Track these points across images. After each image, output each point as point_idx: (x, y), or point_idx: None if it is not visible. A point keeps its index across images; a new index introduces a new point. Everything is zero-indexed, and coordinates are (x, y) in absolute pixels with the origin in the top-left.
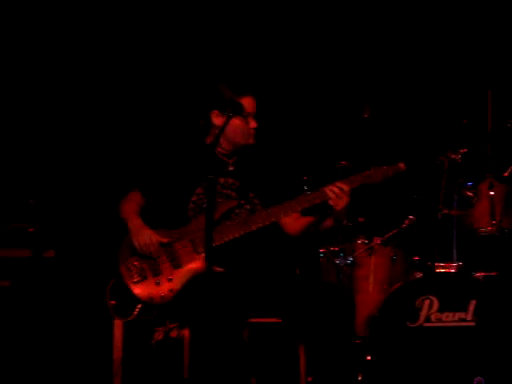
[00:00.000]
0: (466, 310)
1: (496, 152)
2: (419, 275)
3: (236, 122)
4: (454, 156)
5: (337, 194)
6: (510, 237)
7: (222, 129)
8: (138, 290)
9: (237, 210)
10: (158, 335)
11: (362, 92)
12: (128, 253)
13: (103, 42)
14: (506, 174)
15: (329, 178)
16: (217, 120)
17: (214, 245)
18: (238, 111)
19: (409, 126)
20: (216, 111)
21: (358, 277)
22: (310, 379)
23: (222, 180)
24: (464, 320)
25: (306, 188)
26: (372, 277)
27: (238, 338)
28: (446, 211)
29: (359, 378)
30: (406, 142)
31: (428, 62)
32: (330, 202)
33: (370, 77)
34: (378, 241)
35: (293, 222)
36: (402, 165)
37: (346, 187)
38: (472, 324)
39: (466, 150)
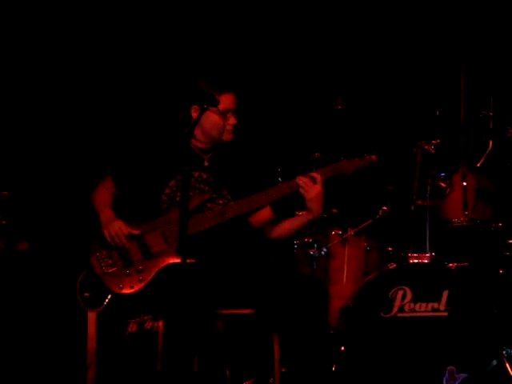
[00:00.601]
0: (439, 300)
1: (469, 143)
2: (393, 266)
3: (213, 116)
4: (426, 147)
5: (307, 182)
6: (482, 227)
7: (197, 121)
8: (107, 280)
9: (209, 205)
10: (132, 327)
11: (334, 83)
12: (99, 244)
13: (83, 31)
14: (478, 165)
15: (303, 170)
16: (196, 115)
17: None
18: (212, 103)
19: (382, 117)
20: (195, 106)
21: (332, 268)
22: (284, 370)
23: (196, 174)
24: (437, 310)
25: (280, 180)
26: (346, 268)
27: (211, 329)
28: (419, 202)
29: (333, 369)
30: (378, 132)
31: (401, 52)
32: (301, 190)
33: (342, 68)
34: (351, 232)
35: (277, 227)
36: (374, 157)
37: (317, 176)
38: (445, 314)
39: (438, 141)
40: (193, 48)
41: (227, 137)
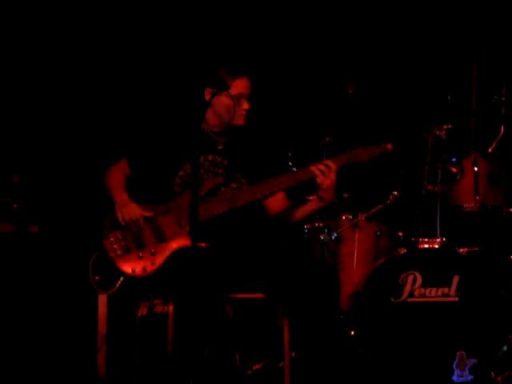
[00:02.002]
0: (449, 285)
1: (480, 128)
2: (403, 251)
3: (225, 100)
4: (438, 132)
5: (323, 171)
6: (493, 213)
7: (208, 104)
8: (120, 263)
9: (223, 188)
10: (143, 310)
11: (346, 68)
12: (112, 226)
13: (91, 17)
14: (490, 150)
15: (314, 155)
16: (211, 99)
17: (198, 220)
18: (223, 87)
19: (393, 102)
20: (210, 89)
21: (342, 253)
22: (293, 354)
23: (210, 157)
24: (447, 295)
25: (290, 164)
26: (356, 252)
27: (221, 314)
28: (430, 187)
29: (343, 352)
30: (390, 118)
31: (412, 38)
32: (317, 180)
33: (354, 53)
34: (362, 217)
35: (294, 211)
36: (389, 145)
37: (333, 165)
38: (455, 299)
39: (450, 126)
40: (209, 31)
41: (240, 121)
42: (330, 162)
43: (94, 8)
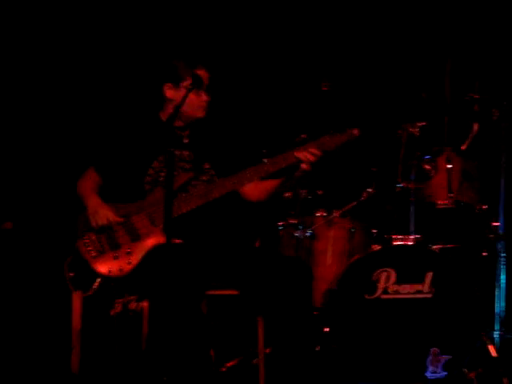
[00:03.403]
0: (422, 282)
1: (454, 125)
2: (377, 248)
3: (191, 95)
4: (412, 129)
5: (307, 156)
6: (467, 210)
7: (182, 101)
8: (96, 264)
9: (193, 182)
10: (117, 307)
11: (321, 65)
12: (85, 227)
13: (54, 14)
14: (463, 148)
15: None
16: (169, 93)
17: (172, 217)
18: (198, 84)
19: (367, 99)
20: (169, 84)
21: (316, 249)
22: (268, 350)
23: (177, 153)
24: (420, 292)
25: (265, 161)
26: (331, 249)
27: (196, 310)
28: (403, 184)
29: (317, 349)
30: (364, 114)
31: (387, 35)
32: (303, 166)
33: (328, 48)
34: (336, 213)
35: (254, 188)
36: (355, 130)
37: (317, 152)
38: (428, 296)
39: (424, 124)
40: (166, 25)
41: (200, 113)
42: (314, 149)
43: (48, 10)
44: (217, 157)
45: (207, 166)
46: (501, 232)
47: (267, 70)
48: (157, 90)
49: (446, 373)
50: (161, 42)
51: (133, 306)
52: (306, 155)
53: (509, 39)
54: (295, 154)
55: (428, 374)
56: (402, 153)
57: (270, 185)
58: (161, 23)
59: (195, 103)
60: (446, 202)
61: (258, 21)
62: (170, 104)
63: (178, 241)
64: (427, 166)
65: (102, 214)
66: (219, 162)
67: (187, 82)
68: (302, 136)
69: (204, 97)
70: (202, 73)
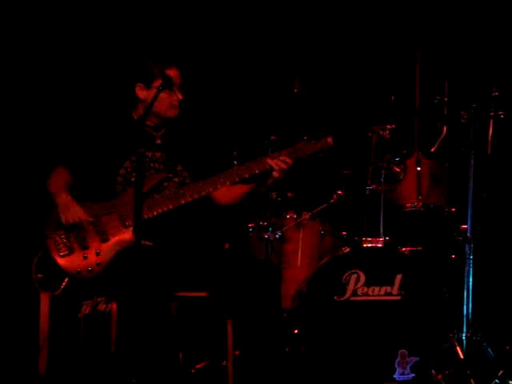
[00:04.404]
0: (391, 284)
1: (423, 128)
2: (347, 250)
3: (162, 95)
4: (381, 132)
5: (280, 165)
6: (435, 212)
7: (152, 102)
8: (65, 264)
9: (165, 184)
10: (86, 309)
11: (292, 67)
12: (55, 226)
13: (28, 12)
14: (432, 150)
15: (258, 153)
16: (141, 93)
17: (142, 218)
18: (168, 85)
19: (338, 102)
20: (141, 84)
21: (286, 251)
22: (237, 352)
23: (149, 154)
24: (390, 294)
25: (235, 163)
26: (300, 251)
27: (165, 312)
28: (373, 187)
29: (286, 351)
30: (335, 117)
31: (357, 38)
32: (274, 174)
33: (299, 52)
34: (306, 215)
35: (226, 192)
36: (329, 139)
37: (288, 161)
38: (398, 298)
39: (393, 126)
40: (137, 24)
41: (173, 112)
42: (286, 158)
43: (20, 8)
44: (190, 159)
45: (180, 168)
46: (469, 235)
47: (240, 71)
48: (129, 89)
49: (413, 374)
50: (134, 41)
51: (102, 307)
52: (278, 163)
53: (477, 42)
54: (267, 161)
55: (396, 376)
56: (372, 155)
57: (242, 190)
58: (135, 23)
59: (167, 103)
60: (415, 204)
61: (232, 21)
62: (142, 104)
63: (147, 243)
64: (397, 169)
65: (73, 212)
66: (192, 164)
67: (158, 82)
68: (272, 138)
69: (178, 96)
70: (173, 72)
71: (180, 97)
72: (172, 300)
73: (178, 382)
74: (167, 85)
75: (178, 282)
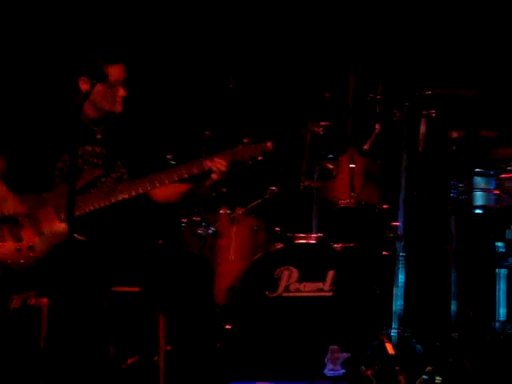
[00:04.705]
0: (324, 280)
1: (357, 125)
2: (279, 246)
3: (101, 88)
4: (316, 129)
5: (218, 167)
6: (368, 209)
7: (87, 95)
8: None
9: (103, 179)
10: (16, 302)
11: (227, 63)
12: None
13: None
14: (365, 148)
15: (193, 148)
16: (84, 87)
17: (77, 214)
18: (101, 78)
19: (272, 98)
20: (84, 78)
21: (219, 246)
22: (169, 348)
23: (89, 148)
24: (322, 290)
25: (170, 157)
26: (234, 247)
27: (97, 307)
28: (307, 183)
29: (218, 347)
30: (269, 113)
31: (291, 35)
32: (213, 176)
33: (234, 49)
34: (240, 211)
35: (164, 191)
36: (269, 144)
37: (225, 163)
38: (329, 294)
39: (328, 123)
40: (82, 19)
41: (116, 108)
42: (222, 161)
43: None
44: (129, 155)
45: (119, 164)
46: (400, 232)
47: (175, 67)
48: (72, 83)
49: (344, 370)
50: (79, 35)
51: (32, 301)
52: (217, 165)
53: (410, 42)
54: (207, 163)
55: (326, 372)
56: (306, 152)
57: (181, 189)
58: (81, 17)
59: (110, 98)
60: (348, 201)
61: (170, 18)
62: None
63: (80, 237)
64: (330, 166)
65: (9, 203)
66: (131, 161)
67: (102, 77)
68: (207, 133)
69: (121, 92)
70: (118, 68)
71: (123, 93)
72: (104, 295)
73: (109, 377)
74: (99, 78)
75: (111, 277)
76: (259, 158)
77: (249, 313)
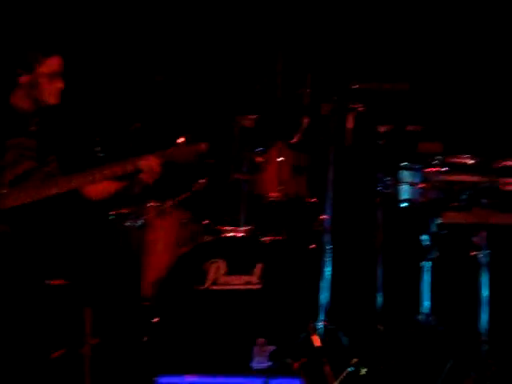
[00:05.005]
0: (252, 273)
1: (285, 119)
2: (208, 239)
3: (37, 79)
4: (245, 122)
5: (150, 167)
6: (295, 202)
7: (20, 87)
8: None
9: (35, 172)
10: None
11: (156, 56)
12: None
13: None
14: (294, 141)
15: (122, 141)
16: (22, 79)
17: (5, 207)
18: (28, 68)
19: (202, 90)
20: (21, 70)
21: (148, 239)
22: (95, 341)
23: (22, 140)
24: (250, 283)
25: (99, 149)
26: (162, 239)
27: (23, 299)
28: (236, 176)
29: (145, 340)
30: (200, 106)
31: (221, 28)
32: (143, 176)
33: (163, 41)
34: (168, 204)
35: (96, 188)
36: (203, 145)
37: (158, 162)
38: (257, 287)
39: (257, 116)
40: (18, 11)
41: (52, 99)
42: (158, 161)
43: None
44: (63, 150)
45: (52, 158)
46: (327, 225)
47: (105, 59)
48: (9, 74)
49: (270, 363)
50: (15, 27)
51: None
52: (149, 165)
53: (339, 34)
54: (139, 162)
55: (253, 364)
56: (234, 145)
57: (113, 186)
58: (16, 9)
59: (47, 89)
60: (276, 194)
61: (104, 15)
62: (20, 89)
63: (4, 228)
64: (259, 159)
65: None
66: (64, 155)
67: (39, 69)
68: (137, 125)
69: (58, 83)
70: (55, 61)
71: (60, 85)
72: (30, 287)
73: (34, 370)
74: (27, 68)
75: (37, 270)
76: (193, 160)
77: (176, 306)
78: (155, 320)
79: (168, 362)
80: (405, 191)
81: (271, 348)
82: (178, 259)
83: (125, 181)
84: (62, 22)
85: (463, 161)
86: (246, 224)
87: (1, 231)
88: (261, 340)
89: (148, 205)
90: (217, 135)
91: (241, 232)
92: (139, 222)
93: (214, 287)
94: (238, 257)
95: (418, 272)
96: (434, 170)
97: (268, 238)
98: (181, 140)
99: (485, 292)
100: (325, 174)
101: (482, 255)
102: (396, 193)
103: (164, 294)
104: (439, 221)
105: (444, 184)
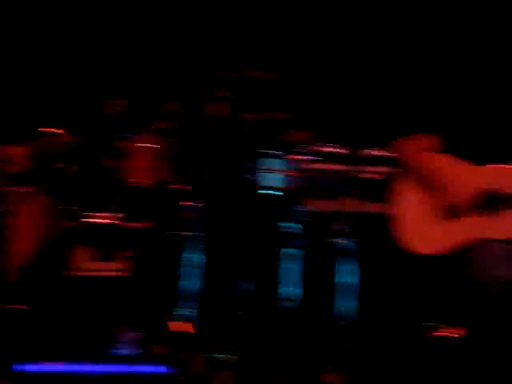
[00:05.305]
0: (117, 260)
1: (158, 106)
2: (73, 225)
3: None
4: (115, 107)
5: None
6: (163, 189)
7: None
8: None
9: None
10: None
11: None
12: None
13: None
14: (163, 127)
15: None
16: None
17: None
18: None
19: (70, 74)
20: None
21: (12, 225)
22: None
23: None
24: (114, 270)
25: None
26: (27, 225)
27: None
28: (104, 162)
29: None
30: (64, 91)
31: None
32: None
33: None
34: (32, 189)
35: None
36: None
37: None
38: (121, 274)
39: (124, 102)
40: None
41: None
42: (22, 149)
43: None
44: None
45: None
46: (196, 212)
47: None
48: None
49: (133, 349)
50: None
51: None
52: (16, 154)
53: (208, 21)
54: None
55: (116, 351)
56: (104, 129)
57: None
58: None
59: None
60: (144, 181)
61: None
62: None
63: None
64: (128, 145)
65: None
66: None
67: None
68: None
69: None
70: None
71: None
72: None
73: None
74: None
75: None
76: (61, 149)
77: (40, 292)
78: (18, 306)
79: (32, 349)
80: (269, 178)
81: (134, 334)
82: (43, 245)
83: None
84: None
85: (330, 149)
86: (113, 211)
87: None
88: (124, 327)
89: (12, 190)
90: (85, 121)
91: (107, 218)
92: (2, 208)
93: (78, 273)
94: (104, 243)
95: (282, 259)
96: (301, 158)
97: (135, 225)
98: (48, 129)
99: (344, 278)
100: (196, 161)
101: (345, 242)
102: (260, 180)
103: (28, 279)
104: (304, 208)
105: (310, 172)
